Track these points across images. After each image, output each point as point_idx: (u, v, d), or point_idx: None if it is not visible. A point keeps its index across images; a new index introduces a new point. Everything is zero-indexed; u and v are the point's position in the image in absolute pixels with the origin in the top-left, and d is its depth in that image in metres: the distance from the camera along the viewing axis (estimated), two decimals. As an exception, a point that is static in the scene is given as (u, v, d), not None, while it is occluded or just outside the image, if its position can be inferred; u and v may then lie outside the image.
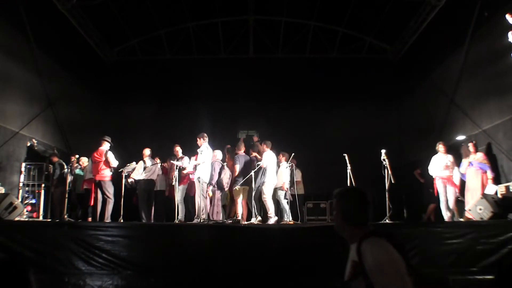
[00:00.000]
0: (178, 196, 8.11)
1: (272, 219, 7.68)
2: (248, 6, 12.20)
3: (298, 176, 8.93)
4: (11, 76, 8.51)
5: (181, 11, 12.02)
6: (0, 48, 8.15)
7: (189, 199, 8.41)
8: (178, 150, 8.63)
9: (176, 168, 7.99)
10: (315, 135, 12.70)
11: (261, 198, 7.97)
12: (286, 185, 8.16)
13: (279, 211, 8.26)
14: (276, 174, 8.07)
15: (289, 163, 8.15)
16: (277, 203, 8.14)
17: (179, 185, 8.18)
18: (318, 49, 13.00)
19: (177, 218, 7.97)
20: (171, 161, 8.58)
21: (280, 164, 8.24)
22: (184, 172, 8.20)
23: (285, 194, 8.23)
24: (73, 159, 8.93)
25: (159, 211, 8.91)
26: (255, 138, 9.84)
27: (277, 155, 8.33)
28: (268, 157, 7.97)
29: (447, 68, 10.19)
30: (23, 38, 8.88)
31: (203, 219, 7.56)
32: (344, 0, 11.36)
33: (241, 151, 8.40)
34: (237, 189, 8.04)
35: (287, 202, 8.20)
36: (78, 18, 10.75)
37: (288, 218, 7.97)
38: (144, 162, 8.58)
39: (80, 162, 9.05)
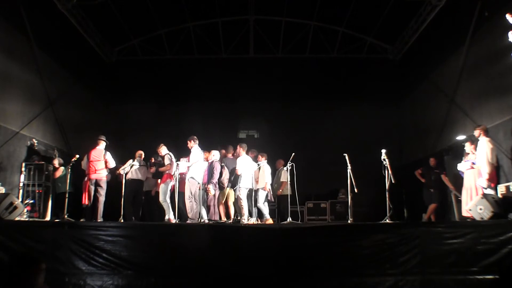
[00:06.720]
0: (161, 195, 8.12)
1: (247, 220, 7.86)
2: (248, 6, 12.21)
3: (284, 177, 8.98)
4: (11, 76, 8.50)
5: (181, 11, 12.03)
6: (0, 48, 8.14)
7: (173, 196, 8.41)
8: (161, 150, 8.56)
9: (177, 169, 8.01)
10: (315, 135, 12.72)
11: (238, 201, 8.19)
12: (268, 186, 8.37)
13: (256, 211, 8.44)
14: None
15: (290, 164, 8.16)
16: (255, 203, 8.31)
17: (160, 183, 8.34)
18: (318, 49, 13.00)
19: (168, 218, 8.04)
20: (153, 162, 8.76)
21: (260, 164, 8.36)
22: (166, 171, 8.24)
23: (267, 194, 8.44)
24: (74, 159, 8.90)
25: (146, 211, 8.95)
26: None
27: (257, 155, 8.67)
28: (242, 162, 8.13)
29: (447, 68, 10.19)
30: (23, 38, 8.88)
31: (202, 219, 7.59)
32: (344, 0, 11.36)
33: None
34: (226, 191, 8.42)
35: (267, 202, 8.48)
36: (78, 18, 10.74)
37: (266, 216, 8.27)
38: (133, 161, 8.60)
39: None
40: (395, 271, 5.52)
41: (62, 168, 8.93)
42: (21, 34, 8.80)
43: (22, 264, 2.51)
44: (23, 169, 8.63)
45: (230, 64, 13.05)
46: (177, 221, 7.83)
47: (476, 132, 7.34)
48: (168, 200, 8.15)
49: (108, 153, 8.11)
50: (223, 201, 8.47)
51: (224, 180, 8.36)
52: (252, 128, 13.56)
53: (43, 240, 5.70)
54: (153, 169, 8.56)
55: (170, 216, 7.96)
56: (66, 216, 7.35)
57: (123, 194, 8.00)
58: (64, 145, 10.49)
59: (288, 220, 7.93)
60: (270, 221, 8.20)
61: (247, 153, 8.49)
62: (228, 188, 8.41)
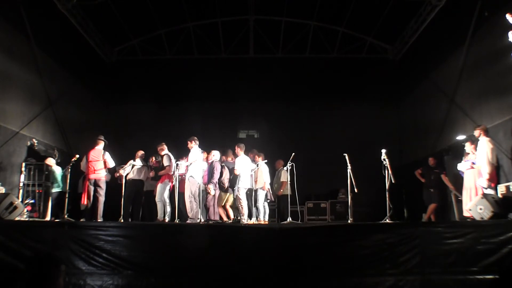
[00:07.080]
0: (158, 195, 8.18)
1: (247, 220, 7.88)
2: (248, 6, 12.21)
3: (284, 177, 8.99)
4: (11, 76, 8.50)
5: (181, 11, 12.03)
6: (0, 48, 8.14)
7: (172, 196, 8.43)
8: (161, 149, 8.61)
9: (177, 169, 8.01)
10: (315, 135, 12.73)
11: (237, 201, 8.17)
12: (267, 186, 8.38)
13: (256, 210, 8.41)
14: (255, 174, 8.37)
15: (290, 164, 8.17)
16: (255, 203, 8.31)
17: (157, 184, 8.38)
18: (318, 49, 13.01)
19: (162, 218, 8.08)
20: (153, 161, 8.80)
21: (259, 164, 8.36)
22: (165, 173, 8.30)
23: (266, 194, 8.45)
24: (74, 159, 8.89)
25: (146, 211, 8.98)
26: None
27: (255, 156, 8.67)
28: (240, 162, 8.14)
29: (447, 68, 10.19)
30: (24, 38, 8.88)
31: (202, 219, 7.60)
32: (344, 0, 11.36)
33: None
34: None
35: (267, 202, 8.50)
36: (78, 18, 10.75)
37: (264, 218, 8.25)
38: (134, 161, 8.62)
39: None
40: (395, 271, 5.51)
41: (57, 167, 8.91)
42: (21, 34, 8.80)
43: (43, 267, 2.50)
44: (23, 169, 8.63)
45: (230, 64, 13.05)
46: (177, 221, 7.83)
47: (476, 132, 7.34)
48: (168, 201, 8.15)
49: (107, 153, 8.12)
50: (222, 204, 8.46)
51: (224, 180, 8.35)
52: (252, 128, 13.57)
53: (43, 240, 5.69)
54: (152, 173, 8.56)
55: (165, 217, 7.98)
56: (66, 216, 7.35)
57: (123, 194, 8.01)
58: (64, 145, 10.49)
59: (288, 220, 7.93)
60: (262, 222, 8.18)
61: (246, 153, 8.50)
62: (228, 193, 8.43)
